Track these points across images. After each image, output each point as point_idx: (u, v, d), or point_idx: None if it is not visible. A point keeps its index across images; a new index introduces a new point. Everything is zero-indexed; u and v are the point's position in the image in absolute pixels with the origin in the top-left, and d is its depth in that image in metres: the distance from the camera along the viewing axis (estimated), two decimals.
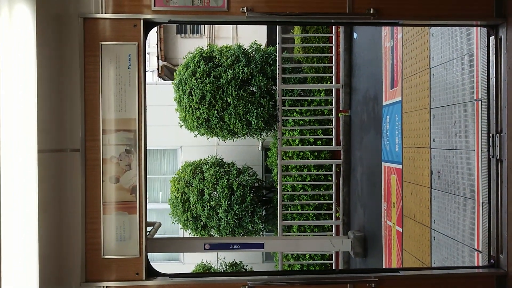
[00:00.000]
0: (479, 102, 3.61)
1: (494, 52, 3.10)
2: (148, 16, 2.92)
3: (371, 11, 2.94)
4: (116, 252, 2.91)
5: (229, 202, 8.37)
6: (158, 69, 14.24)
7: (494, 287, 3.03)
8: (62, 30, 2.83)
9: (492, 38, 3.12)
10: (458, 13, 3.03)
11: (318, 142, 8.36)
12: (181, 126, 9.04)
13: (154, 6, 2.90)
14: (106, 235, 2.90)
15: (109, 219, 2.90)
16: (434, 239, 4.45)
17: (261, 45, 9.06)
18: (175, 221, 9.17)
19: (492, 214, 3.12)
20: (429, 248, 4.57)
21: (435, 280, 3.07)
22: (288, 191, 8.30)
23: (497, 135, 3.07)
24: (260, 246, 5.06)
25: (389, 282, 3.00)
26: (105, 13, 2.89)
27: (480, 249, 3.58)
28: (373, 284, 2.96)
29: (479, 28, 3.57)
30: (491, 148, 3.14)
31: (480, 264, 3.55)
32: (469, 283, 3.06)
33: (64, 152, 2.85)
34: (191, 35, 15.00)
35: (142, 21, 2.90)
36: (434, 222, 4.45)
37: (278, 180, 7.81)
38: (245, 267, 10.34)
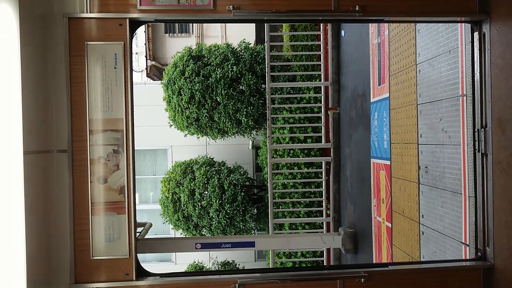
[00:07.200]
0: (464, 97, 3.66)
1: (478, 48, 3.14)
2: (134, 15, 2.90)
3: (357, 8, 2.96)
4: (105, 253, 2.89)
5: (220, 201, 8.36)
6: (146, 68, 14.15)
7: (481, 280, 3.07)
8: (47, 30, 2.81)
9: (476, 34, 3.16)
10: (442, 9, 3.06)
11: (308, 140, 8.39)
12: (171, 126, 9.01)
13: (140, 5, 2.89)
14: (95, 236, 2.88)
15: (97, 219, 2.89)
16: (423, 234, 4.50)
17: (250, 43, 9.06)
18: (166, 221, 9.14)
19: (479, 207, 3.16)
20: (417, 242, 4.62)
21: (423, 274, 3.10)
22: (279, 189, 8.32)
23: (482, 129, 3.11)
24: (251, 244, 5.05)
25: (378, 277, 3.03)
26: (90, 12, 2.87)
27: (468, 243, 3.63)
28: (362, 279, 2.99)
29: (463, 24, 3.61)
30: (476, 143, 3.18)
31: (468, 257, 3.60)
32: (457, 276, 3.10)
33: (51, 153, 2.82)
34: (179, 34, 14.94)
35: (127, 20, 2.89)
36: (423, 217, 4.50)
37: (268, 179, 7.82)
38: (237, 266, 10.34)
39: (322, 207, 8.24)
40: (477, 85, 3.16)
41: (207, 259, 11.05)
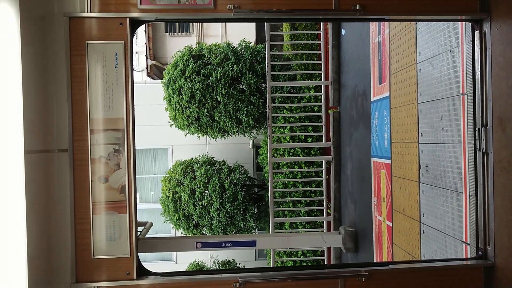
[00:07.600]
0: (465, 96, 3.65)
1: (479, 47, 3.14)
2: (135, 15, 2.90)
3: (357, 7, 2.96)
4: (106, 252, 2.90)
5: (220, 200, 8.36)
6: (147, 68, 14.15)
7: (482, 278, 3.07)
8: (48, 30, 2.81)
9: (476, 32, 3.16)
10: (442, 8, 3.06)
11: (308, 139, 8.39)
12: (171, 125, 9.01)
13: (140, 4, 2.89)
14: (96, 235, 2.89)
15: (98, 219, 2.89)
16: (423, 233, 4.50)
17: (250, 42, 9.05)
18: (167, 220, 9.14)
19: (479, 206, 3.16)
20: (418, 241, 4.62)
21: (424, 273, 3.11)
22: (279, 188, 8.32)
23: (483, 128, 3.11)
24: (252, 243, 5.05)
25: (379, 276, 3.03)
26: (90, 12, 2.87)
27: (468, 241, 3.63)
28: (363, 278, 2.99)
29: (463, 23, 3.61)
30: (477, 142, 3.18)
31: (468, 256, 3.60)
32: (458, 275, 3.10)
33: (52, 152, 2.83)
34: (179, 33, 14.94)
35: (128, 19, 2.89)
36: (423, 216, 4.50)
37: (269, 178, 7.83)
38: (238, 265, 10.35)
39: (323, 206, 8.24)
40: (477, 84, 3.16)
41: (208, 258, 11.06)
